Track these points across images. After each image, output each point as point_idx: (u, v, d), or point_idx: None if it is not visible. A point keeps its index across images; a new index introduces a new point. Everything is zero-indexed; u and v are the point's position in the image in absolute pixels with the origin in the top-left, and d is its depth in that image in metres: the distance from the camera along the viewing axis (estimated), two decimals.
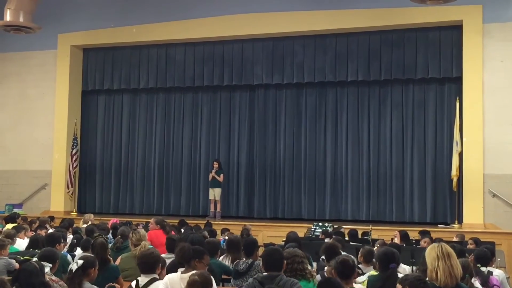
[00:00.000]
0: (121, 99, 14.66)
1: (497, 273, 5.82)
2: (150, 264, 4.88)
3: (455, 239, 8.58)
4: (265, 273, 4.54)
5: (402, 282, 3.70)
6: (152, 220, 8.60)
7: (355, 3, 12.30)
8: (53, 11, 13.74)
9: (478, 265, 5.44)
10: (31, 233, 8.27)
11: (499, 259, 8.22)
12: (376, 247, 7.33)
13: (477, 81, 11.49)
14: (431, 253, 3.90)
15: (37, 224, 9.42)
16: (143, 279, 4.79)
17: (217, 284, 5.05)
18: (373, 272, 5.53)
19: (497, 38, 11.50)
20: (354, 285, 4.67)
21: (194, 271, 4.34)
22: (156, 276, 4.82)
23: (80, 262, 4.70)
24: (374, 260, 5.66)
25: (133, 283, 4.77)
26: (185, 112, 14.14)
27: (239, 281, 5.51)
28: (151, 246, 7.32)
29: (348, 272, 4.40)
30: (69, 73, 14.19)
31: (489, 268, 5.61)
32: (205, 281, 4.04)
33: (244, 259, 5.79)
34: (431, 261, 3.85)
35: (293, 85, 13.25)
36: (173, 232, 8.23)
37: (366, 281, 5.39)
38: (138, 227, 9.59)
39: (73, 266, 4.63)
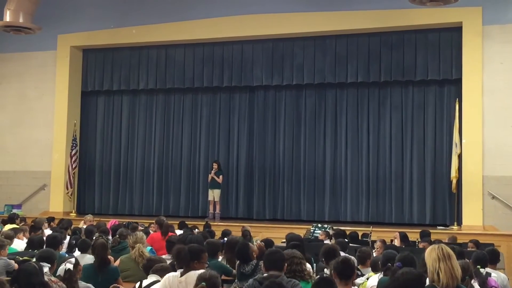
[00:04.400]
0: (121, 100, 14.65)
1: (502, 277, 5.82)
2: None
3: (446, 241, 8.37)
4: (265, 274, 4.52)
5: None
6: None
7: (355, 4, 12.30)
8: (53, 12, 13.72)
9: (478, 266, 5.44)
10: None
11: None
12: (375, 249, 7.34)
13: (477, 83, 11.49)
14: (431, 254, 3.88)
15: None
16: (147, 280, 4.88)
17: None
18: (372, 274, 5.53)
19: (497, 40, 11.50)
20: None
21: (198, 271, 4.33)
22: (159, 278, 4.87)
23: (72, 261, 4.74)
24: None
25: (137, 285, 4.86)
26: (185, 113, 14.13)
27: (243, 283, 5.47)
28: (150, 247, 7.34)
29: (349, 272, 4.31)
30: (68, 74, 14.18)
31: (487, 269, 5.60)
32: (213, 286, 4.01)
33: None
34: (432, 263, 3.84)
35: (292, 87, 13.25)
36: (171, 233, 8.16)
37: (365, 282, 5.39)
38: (150, 227, 9.53)
39: (66, 266, 4.65)
